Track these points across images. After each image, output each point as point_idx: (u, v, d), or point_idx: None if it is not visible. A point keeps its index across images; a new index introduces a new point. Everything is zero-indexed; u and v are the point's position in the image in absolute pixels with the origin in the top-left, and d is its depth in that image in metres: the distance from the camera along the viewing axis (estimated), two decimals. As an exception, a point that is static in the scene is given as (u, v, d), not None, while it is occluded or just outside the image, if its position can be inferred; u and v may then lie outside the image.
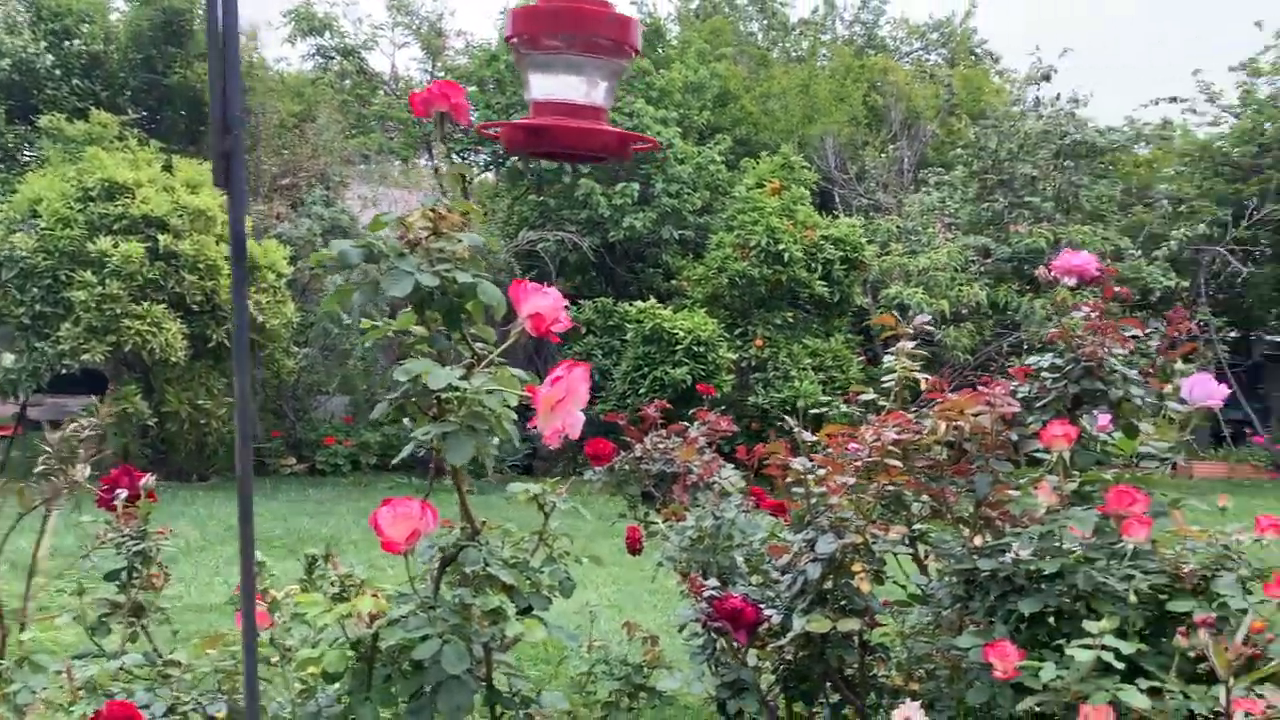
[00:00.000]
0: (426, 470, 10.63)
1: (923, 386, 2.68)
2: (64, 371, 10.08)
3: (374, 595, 2.09)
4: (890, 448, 2.43)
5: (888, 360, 2.86)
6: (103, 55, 13.15)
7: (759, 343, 11.50)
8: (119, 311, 9.35)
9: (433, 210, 2.03)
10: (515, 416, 1.96)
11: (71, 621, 2.51)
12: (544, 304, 1.75)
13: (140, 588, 2.54)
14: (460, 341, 2.05)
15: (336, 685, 2.09)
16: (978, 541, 2.46)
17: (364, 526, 7.95)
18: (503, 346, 1.93)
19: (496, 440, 1.96)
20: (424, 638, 1.94)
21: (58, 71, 12.77)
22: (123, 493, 2.58)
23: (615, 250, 13.20)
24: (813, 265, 11.55)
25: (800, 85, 16.46)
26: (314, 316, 11.09)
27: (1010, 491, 2.55)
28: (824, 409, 10.16)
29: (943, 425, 2.48)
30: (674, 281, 13.11)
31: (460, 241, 2.00)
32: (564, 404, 1.67)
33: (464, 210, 2.06)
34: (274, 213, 11.76)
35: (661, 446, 4.08)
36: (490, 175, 15.20)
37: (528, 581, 2.29)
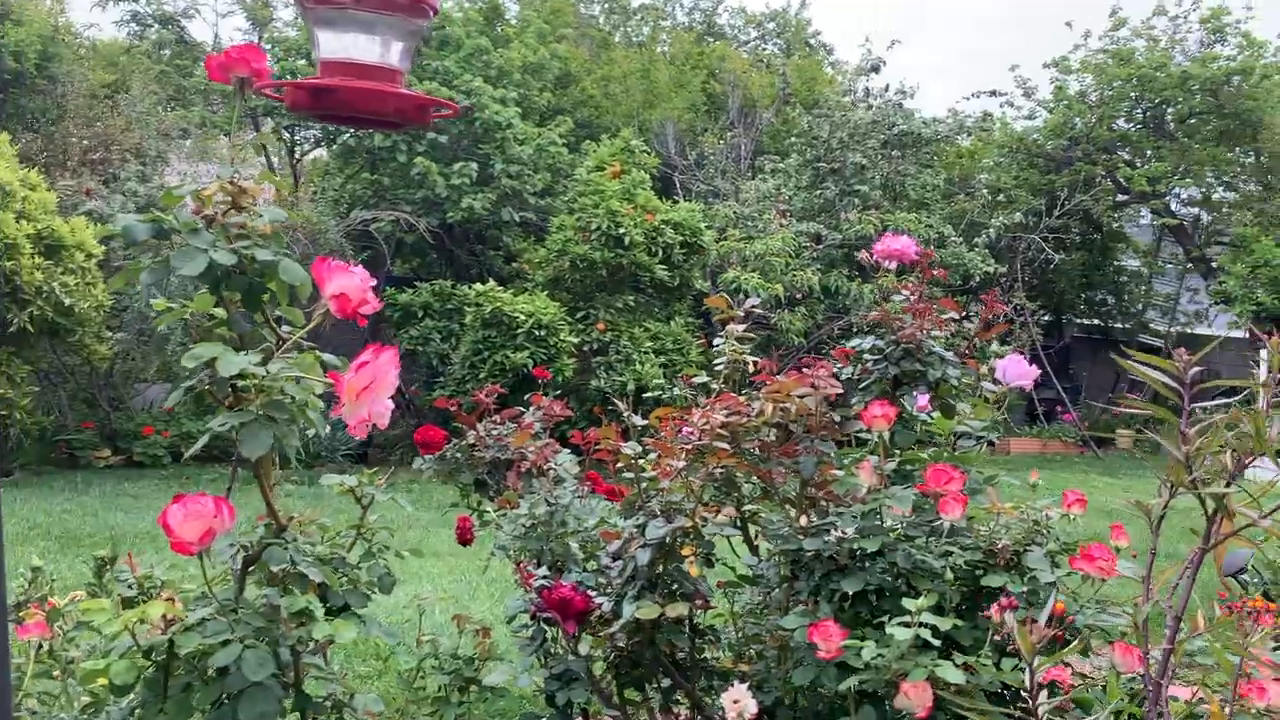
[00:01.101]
0: (247, 463, 10.22)
1: (752, 369, 2.68)
2: None
3: (170, 599, 1.93)
4: (720, 430, 2.41)
5: (718, 343, 2.85)
6: (-117, 13, 12.00)
7: (601, 326, 11.48)
8: (-97, 294, 8.56)
9: (231, 182, 1.88)
10: (322, 405, 1.84)
11: None
12: (349, 283, 1.64)
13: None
14: (263, 324, 1.91)
15: (129, 697, 1.93)
16: (803, 521, 2.47)
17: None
18: (305, 328, 1.80)
19: (311, 431, 1.84)
20: (224, 643, 1.80)
21: None
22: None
23: (454, 232, 12.93)
24: (653, 249, 11.60)
25: (641, 70, 16.50)
26: (128, 299, 10.43)
27: (835, 471, 2.58)
28: (662, 392, 10.24)
29: (770, 407, 2.48)
30: (515, 264, 12.94)
31: (261, 216, 1.86)
32: (370, 391, 1.56)
33: (266, 180, 1.92)
34: (83, 188, 10.98)
35: (495, 433, 3.98)
36: (322, 152, 14.64)
37: (343, 579, 2.17)
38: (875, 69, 14.39)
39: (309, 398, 1.77)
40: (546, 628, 2.71)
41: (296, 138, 13.88)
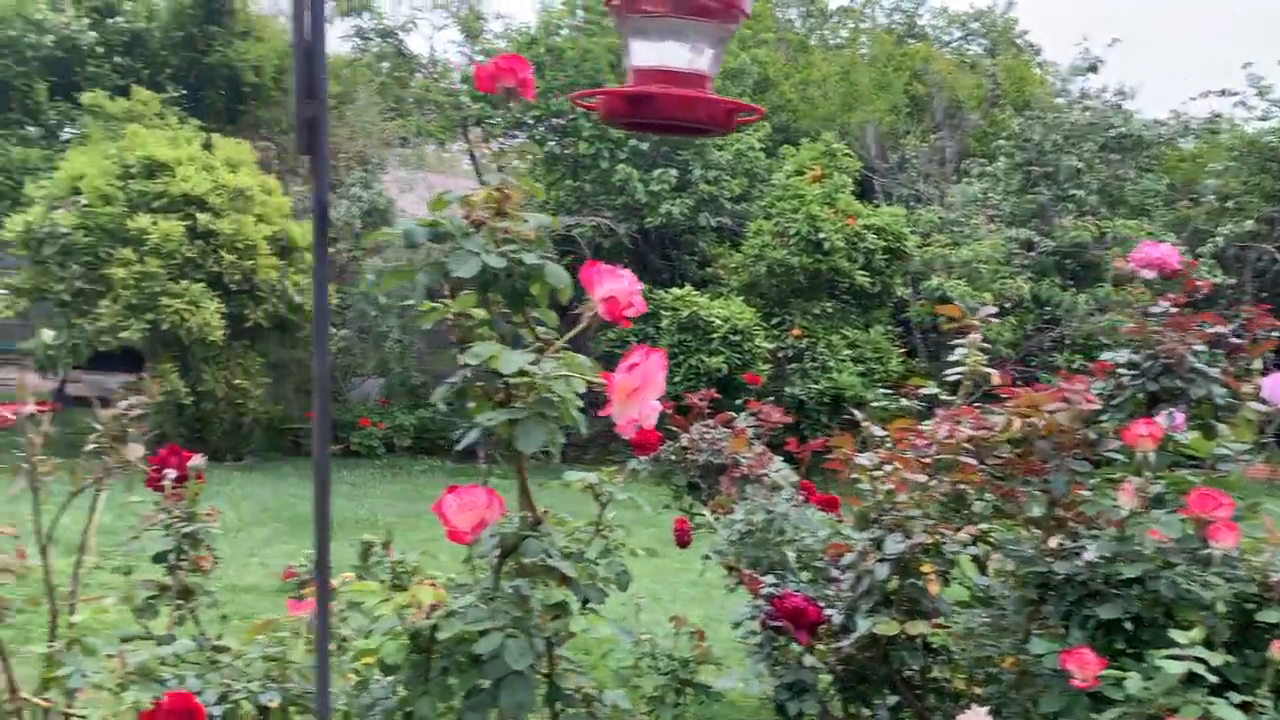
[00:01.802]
0: (462, 455, 10.51)
1: (995, 381, 2.59)
2: (101, 349, 10.12)
3: (432, 585, 2.03)
4: (965, 444, 2.33)
5: (959, 353, 2.76)
6: (144, 33, 13.17)
7: (796, 332, 11.36)
8: (158, 290, 9.37)
9: (497, 189, 1.96)
10: (582, 403, 1.89)
11: (118, 603, 2.47)
12: (619, 287, 1.68)
13: (188, 570, 2.50)
14: (523, 325, 1.98)
15: (393, 677, 2.03)
16: (1052, 543, 2.36)
17: (399, 510, 7.92)
18: (574, 331, 1.85)
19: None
20: (484, 631, 1.87)
21: (100, 49, 12.79)
22: (171, 473, 2.54)
23: (651, 237, 13.10)
24: (854, 255, 11.35)
25: (840, 72, 16.26)
26: (351, 298, 11.08)
27: (1082, 492, 2.45)
28: (872, 402, 10.03)
29: (1016, 422, 2.38)
30: (709, 269, 12.98)
31: (526, 222, 1.93)
32: (640, 392, 1.60)
33: (528, 190, 1.99)
34: (312, 194, 11.74)
35: (709, 437, 4.00)
36: (520, 162, 15.12)
37: (585, 574, 2.22)
38: (1093, 69, 13.68)
39: (571, 396, 1.82)
40: (774, 636, 2.69)
41: (503, 146, 14.39)
